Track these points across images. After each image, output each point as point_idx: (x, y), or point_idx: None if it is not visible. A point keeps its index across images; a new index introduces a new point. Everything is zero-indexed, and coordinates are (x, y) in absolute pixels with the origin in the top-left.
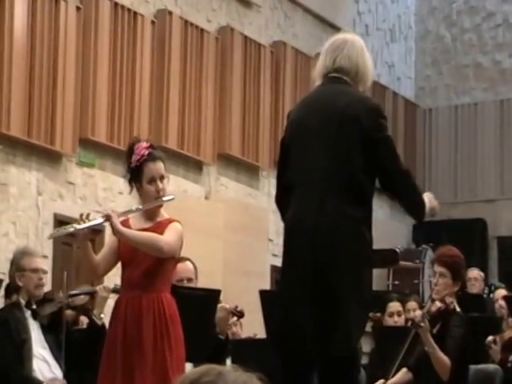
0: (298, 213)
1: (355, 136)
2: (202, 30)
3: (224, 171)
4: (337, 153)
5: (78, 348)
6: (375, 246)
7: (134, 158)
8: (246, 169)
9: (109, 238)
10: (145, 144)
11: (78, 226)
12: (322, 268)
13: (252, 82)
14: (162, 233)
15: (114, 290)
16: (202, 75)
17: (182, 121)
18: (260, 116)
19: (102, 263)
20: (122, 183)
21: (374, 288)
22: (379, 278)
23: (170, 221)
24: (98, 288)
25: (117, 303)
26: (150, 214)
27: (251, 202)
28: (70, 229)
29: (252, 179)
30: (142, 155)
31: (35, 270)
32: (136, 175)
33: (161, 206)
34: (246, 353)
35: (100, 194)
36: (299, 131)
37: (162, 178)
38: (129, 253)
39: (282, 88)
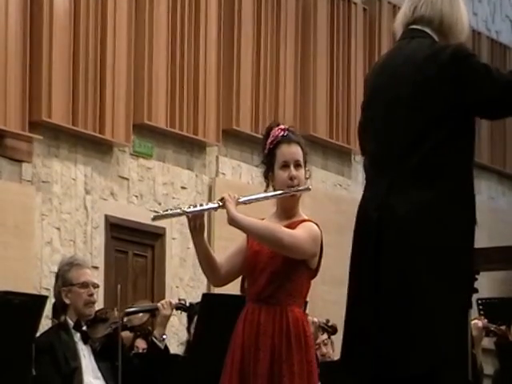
0: (364, 202)
1: (435, 103)
2: None
3: (308, 157)
4: (410, 126)
5: (137, 376)
6: (497, 242)
7: (268, 141)
8: (334, 153)
9: (240, 239)
10: (282, 126)
11: (187, 210)
12: (390, 272)
13: (340, 47)
14: None
15: (179, 307)
16: (280, 39)
17: (255, 98)
18: (351, 88)
19: (226, 266)
20: (185, 176)
21: (497, 295)
22: (504, 283)
23: (303, 220)
24: (159, 304)
25: (239, 318)
26: (286, 211)
27: (342, 193)
28: (177, 211)
29: (343, 166)
30: (276, 136)
31: (84, 285)
32: (269, 162)
33: (297, 199)
34: (338, 377)
35: (159, 191)
36: (371, 101)
37: (297, 164)
38: (252, 257)
39: (377, 53)
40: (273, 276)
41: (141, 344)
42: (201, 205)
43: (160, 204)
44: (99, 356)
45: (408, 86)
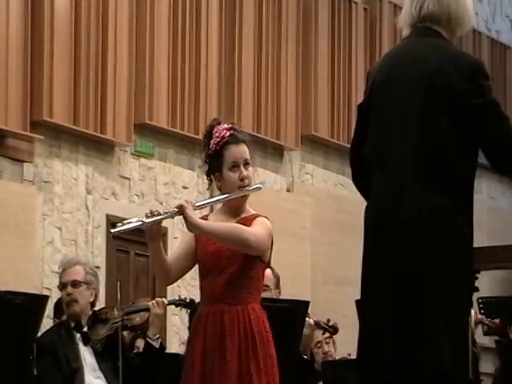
0: (377, 205)
1: (447, 104)
2: None
3: (310, 157)
4: (423, 127)
5: (138, 376)
6: (496, 242)
7: (213, 141)
8: (336, 153)
9: (183, 236)
10: (226, 125)
11: (147, 220)
12: (404, 272)
13: (341, 47)
14: None
15: (179, 304)
16: (281, 39)
17: (257, 97)
18: (352, 87)
19: (175, 266)
20: (186, 176)
21: (499, 293)
22: (505, 282)
23: (255, 216)
24: (149, 303)
25: (195, 320)
26: (234, 209)
27: (344, 193)
28: (137, 223)
29: (344, 165)
30: (223, 137)
31: (64, 286)
32: (215, 162)
33: (246, 198)
34: (339, 376)
35: (160, 190)
36: (379, 98)
37: (246, 163)
38: (209, 258)
39: (378, 52)
40: (233, 276)
41: (141, 343)
42: (158, 213)
43: (161, 203)
44: (100, 356)
45: (429, 88)
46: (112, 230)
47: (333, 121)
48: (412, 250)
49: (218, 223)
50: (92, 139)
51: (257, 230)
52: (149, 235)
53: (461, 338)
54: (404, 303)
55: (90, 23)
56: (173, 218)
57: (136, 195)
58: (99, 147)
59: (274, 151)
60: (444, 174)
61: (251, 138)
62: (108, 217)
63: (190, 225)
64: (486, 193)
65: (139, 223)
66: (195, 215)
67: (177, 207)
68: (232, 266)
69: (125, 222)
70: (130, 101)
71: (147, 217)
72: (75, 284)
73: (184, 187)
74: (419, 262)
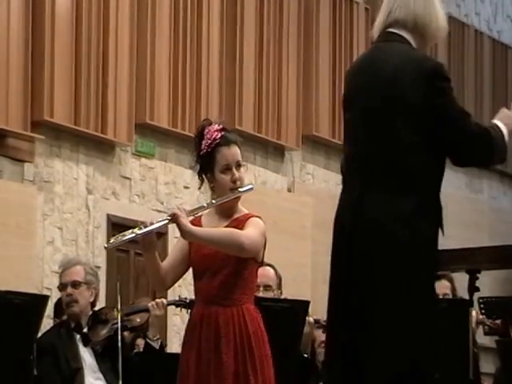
0: (340, 209)
1: (406, 108)
2: None
3: (311, 157)
4: (381, 131)
5: (138, 376)
6: (498, 242)
7: (205, 143)
8: (337, 153)
9: (177, 241)
10: (217, 126)
11: (140, 232)
12: (360, 274)
13: (343, 47)
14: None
15: (179, 304)
16: (282, 39)
17: (258, 97)
18: None
19: (170, 273)
20: (187, 175)
21: (500, 294)
22: (506, 282)
23: (248, 216)
24: (149, 305)
25: (190, 321)
26: (226, 210)
27: None
28: (131, 235)
29: None
30: (214, 139)
31: (63, 286)
32: (207, 164)
33: (238, 199)
34: None
35: (161, 190)
36: (345, 103)
37: (238, 165)
38: (203, 260)
39: None
40: (227, 277)
41: (141, 342)
42: (151, 223)
43: (162, 203)
44: (100, 357)
45: (384, 93)
46: (106, 245)
47: (334, 121)
48: (368, 253)
49: (212, 229)
50: (93, 139)
51: (250, 233)
52: (142, 246)
53: (424, 337)
54: (359, 304)
55: (91, 23)
56: (166, 226)
57: (137, 195)
58: (100, 147)
59: (275, 151)
60: (403, 176)
61: (250, 137)
62: (109, 217)
63: (185, 233)
64: (487, 193)
65: (133, 235)
66: (189, 223)
67: (170, 216)
68: (226, 268)
69: (119, 235)
70: (130, 100)
71: (140, 228)
72: (75, 284)
73: (185, 187)
74: (375, 263)
